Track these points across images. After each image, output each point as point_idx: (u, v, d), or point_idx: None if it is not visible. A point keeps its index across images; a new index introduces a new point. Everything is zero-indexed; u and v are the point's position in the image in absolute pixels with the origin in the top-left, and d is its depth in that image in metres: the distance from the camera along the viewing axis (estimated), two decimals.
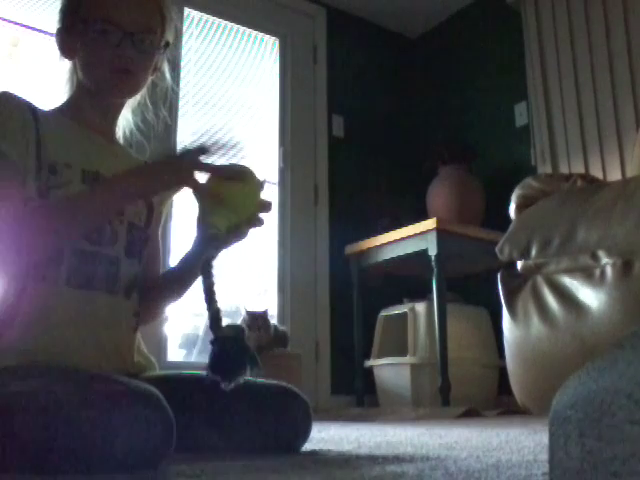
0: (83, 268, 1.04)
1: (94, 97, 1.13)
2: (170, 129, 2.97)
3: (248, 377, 0.94)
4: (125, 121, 1.22)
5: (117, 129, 1.20)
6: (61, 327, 1.01)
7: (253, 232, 1.04)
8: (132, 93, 1.15)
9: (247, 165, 0.99)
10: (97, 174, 1.07)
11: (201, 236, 1.06)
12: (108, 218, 1.06)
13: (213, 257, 0.96)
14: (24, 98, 1.06)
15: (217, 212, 0.95)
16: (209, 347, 0.93)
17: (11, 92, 1.05)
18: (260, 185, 1.00)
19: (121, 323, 1.09)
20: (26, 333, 0.99)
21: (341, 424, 2.13)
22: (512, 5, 3.39)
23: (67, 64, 1.15)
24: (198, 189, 0.97)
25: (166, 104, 1.30)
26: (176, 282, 1.20)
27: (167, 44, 1.15)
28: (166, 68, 1.23)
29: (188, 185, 0.98)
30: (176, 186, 1.01)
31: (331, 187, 3.55)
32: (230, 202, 0.95)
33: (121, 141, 1.22)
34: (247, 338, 0.96)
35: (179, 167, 0.98)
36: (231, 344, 0.91)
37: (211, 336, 0.92)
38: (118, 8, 1.07)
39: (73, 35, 1.10)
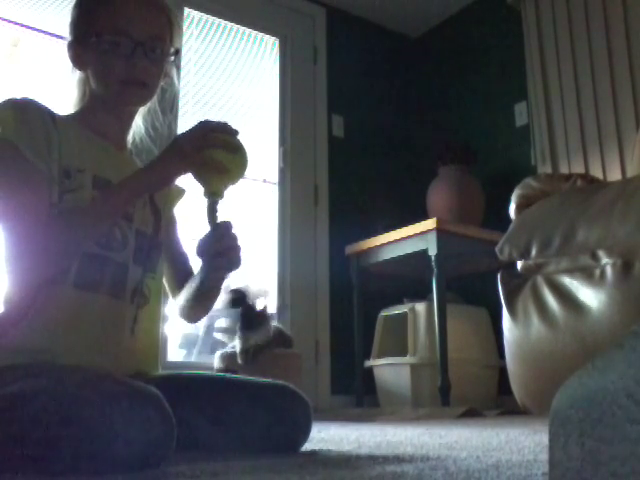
0: (91, 271, 1.05)
1: (107, 106, 1.15)
2: (171, 130, 2.97)
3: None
4: (136, 127, 1.24)
5: (129, 137, 1.22)
6: (65, 328, 1.02)
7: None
8: (145, 102, 1.18)
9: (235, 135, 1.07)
10: (109, 183, 1.09)
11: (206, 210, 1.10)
12: (119, 216, 1.08)
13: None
14: (44, 105, 1.07)
15: (217, 179, 1.04)
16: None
17: (32, 99, 1.06)
18: (246, 151, 1.07)
19: (124, 326, 1.10)
20: (30, 333, 1.00)
21: (341, 424, 2.13)
22: (512, 5, 3.39)
23: (78, 73, 1.16)
24: (203, 165, 1.02)
25: (173, 109, 1.33)
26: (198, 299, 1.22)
27: (177, 51, 1.18)
28: (174, 74, 1.24)
29: (194, 164, 1.02)
30: (184, 169, 1.03)
31: (331, 187, 3.55)
32: (228, 168, 1.03)
33: (129, 146, 1.23)
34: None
35: (181, 149, 1.02)
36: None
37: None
38: (128, 19, 1.09)
39: (85, 47, 1.11)
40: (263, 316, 1.11)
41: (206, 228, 1.05)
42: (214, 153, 1.02)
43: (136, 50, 1.08)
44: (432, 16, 3.92)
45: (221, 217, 1.05)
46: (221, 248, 1.04)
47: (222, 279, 1.14)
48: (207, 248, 1.04)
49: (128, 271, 1.10)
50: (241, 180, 1.08)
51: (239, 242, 1.06)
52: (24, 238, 0.99)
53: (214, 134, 1.02)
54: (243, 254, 1.07)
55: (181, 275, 1.26)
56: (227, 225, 1.05)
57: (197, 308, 1.25)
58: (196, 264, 1.18)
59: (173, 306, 1.30)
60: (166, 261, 1.24)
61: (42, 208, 1.00)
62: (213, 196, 1.03)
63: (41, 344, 1.00)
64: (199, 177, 1.04)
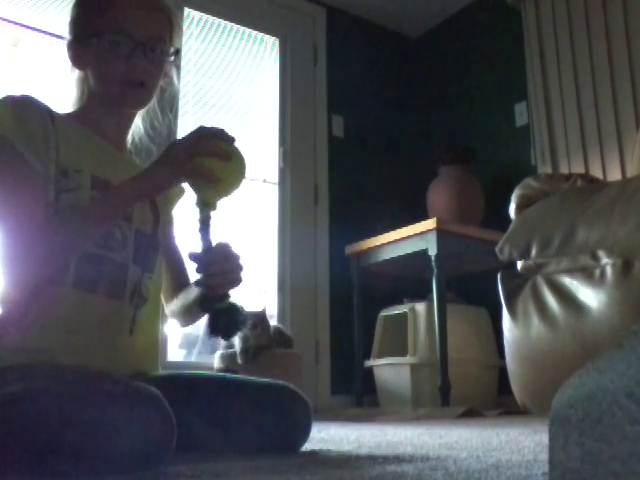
0: (91, 271, 1.04)
1: (107, 106, 1.14)
2: (170, 130, 2.97)
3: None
4: (135, 127, 1.23)
5: (128, 137, 1.22)
6: (65, 328, 1.02)
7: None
8: (145, 103, 1.17)
9: (231, 142, 1.02)
10: (108, 183, 1.08)
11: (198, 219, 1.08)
12: (117, 220, 1.07)
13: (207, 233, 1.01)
14: (43, 102, 1.07)
15: (209, 189, 0.99)
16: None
17: (31, 97, 1.06)
18: (242, 160, 1.03)
19: (123, 327, 1.10)
20: (30, 333, 1.00)
21: (341, 424, 2.13)
22: (512, 5, 3.39)
23: (78, 72, 1.16)
24: (194, 173, 0.98)
25: (173, 109, 1.32)
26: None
27: (177, 51, 1.17)
28: (174, 74, 1.24)
29: (187, 172, 0.98)
30: (178, 177, 1.01)
31: (331, 187, 3.55)
32: (220, 177, 0.99)
33: (128, 145, 1.23)
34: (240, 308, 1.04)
35: (174, 156, 0.98)
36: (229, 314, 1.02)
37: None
38: (129, 19, 1.09)
39: (85, 46, 1.11)
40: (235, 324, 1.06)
41: (198, 240, 1.01)
42: (205, 161, 0.97)
43: (136, 50, 1.08)
44: (432, 16, 3.92)
45: (214, 227, 1.01)
46: (226, 267, 1.02)
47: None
48: (209, 268, 1.01)
49: (128, 271, 1.09)
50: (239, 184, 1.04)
51: (241, 261, 1.05)
52: (19, 238, 0.98)
53: (207, 141, 0.98)
54: (243, 273, 1.06)
55: (177, 283, 1.26)
56: (227, 245, 1.03)
57: (190, 317, 1.25)
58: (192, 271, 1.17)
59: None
60: (163, 265, 1.23)
61: (38, 208, 0.99)
62: (205, 206, 0.99)
63: (41, 344, 0.99)
64: (192, 185, 1.00)
